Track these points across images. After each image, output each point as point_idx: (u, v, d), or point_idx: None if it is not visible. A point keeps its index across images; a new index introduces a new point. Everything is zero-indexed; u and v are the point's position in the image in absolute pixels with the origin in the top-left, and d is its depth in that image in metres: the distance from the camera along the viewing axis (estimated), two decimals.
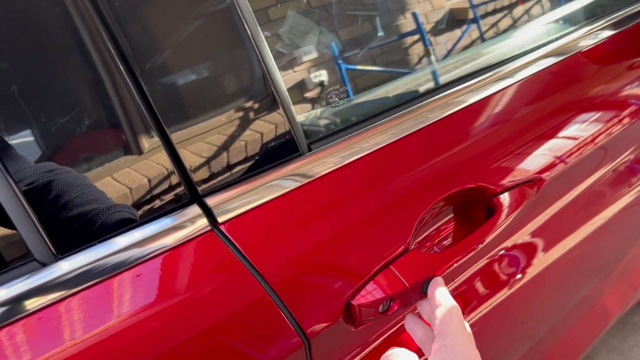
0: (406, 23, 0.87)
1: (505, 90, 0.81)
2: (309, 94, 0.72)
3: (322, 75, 0.74)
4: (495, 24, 0.98)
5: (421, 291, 0.60)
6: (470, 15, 0.95)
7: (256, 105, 0.59)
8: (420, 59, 0.87)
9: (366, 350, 0.66)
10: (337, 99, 0.72)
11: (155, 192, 0.54)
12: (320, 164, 0.62)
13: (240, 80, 0.59)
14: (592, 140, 0.89)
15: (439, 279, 0.59)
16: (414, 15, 0.88)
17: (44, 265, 0.48)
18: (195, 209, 0.55)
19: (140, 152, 0.53)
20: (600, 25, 1.00)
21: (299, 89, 0.71)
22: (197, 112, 0.56)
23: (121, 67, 0.51)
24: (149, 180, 0.53)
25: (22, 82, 0.48)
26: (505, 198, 0.73)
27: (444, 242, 0.72)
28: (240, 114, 0.58)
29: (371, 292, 0.59)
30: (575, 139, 0.86)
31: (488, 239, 0.69)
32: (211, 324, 0.51)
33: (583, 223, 0.99)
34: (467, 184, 0.70)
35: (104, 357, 0.46)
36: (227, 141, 0.58)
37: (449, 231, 0.73)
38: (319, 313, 0.57)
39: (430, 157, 0.70)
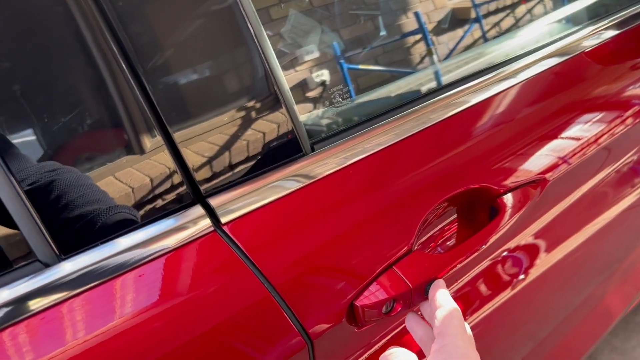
0: (408, 23, 0.87)
1: (508, 91, 0.80)
2: (310, 94, 0.72)
3: (324, 75, 0.74)
4: (497, 24, 0.98)
5: (424, 292, 0.60)
6: (473, 15, 0.95)
7: (259, 105, 0.59)
8: (422, 58, 0.87)
9: (369, 351, 0.66)
10: (340, 99, 0.71)
11: (159, 192, 0.54)
12: (324, 164, 0.62)
13: (244, 80, 0.59)
14: (596, 141, 0.89)
15: (440, 281, 0.59)
16: (416, 14, 0.88)
17: (47, 265, 0.48)
18: (198, 210, 0.55)
19: (142, 151, 0.53)
20: (604, 25, 1.00)
21: (300, 88, 0.71)
22: (199, 112, 0.56)
23: (124, 65, 0.51)
24: (152, 180, 0.53)
25: (24, 81, 0.47)
26: (509, 199, 0.73)
27: (448, 243, 0.72)
28: (243, 113, 0.58)
29: (374, 293, 0.59)
30: (578, 139, 0.86)
31: (492, 240, 0.69)
32: (214, 324, 0.51)
33: (586, 223, 0.99)
34: (471, 184, 0.70)
35: (108, 357, 0.46)
36: (230, 141, 0.58)
37: (452, 232, 0.73)
38: (322, 314, 0.57)
39: (433, 157, 0.69)
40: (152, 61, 0.53)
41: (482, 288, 0.81)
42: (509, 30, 0.98)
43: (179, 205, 0.55)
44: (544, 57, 0.88)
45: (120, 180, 0.52)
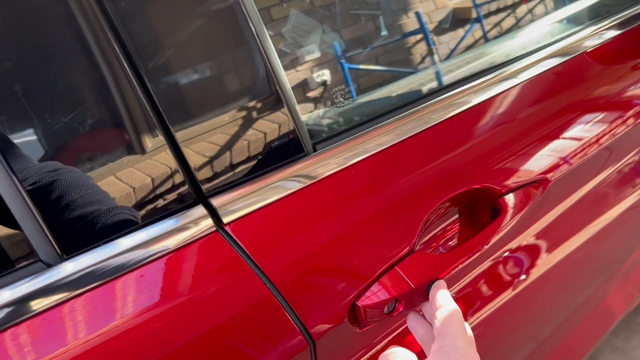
0: (409, 22, 0.87)
1: (509, 91, 0.80)
2: (311, 94, 0.72)
3: (325, 75, 0.74)
4: (499, 24, 0.98)
5: (426, 293, 0.60)
6: (474, 15, 0.95)
7: (262, 105, 0.59)
8: (423, 58, 0.87)
9: (371, 352, 0.66)
10: (341, 99, 0.71)
11: (160, 192, 0.54)
12: (326, 164, 0.62)
13: (246, 80, 0.59)
14: (597, 141, 0.89)
15: (441, 282, 0.59)
16: (417, 14, 0.88)
17: (49, 266, 0.48)
18: (200, 210, 0.55)
19: (144, 151, 0.53)
20: (605, 25, 1.00)
21: (301, 88, 0.71)
22: (201, 111, 0.56)
23: (125, 65, 0.51)
24: (154, 180, 0.53)
25: (26, 81, 0.47)
26: (510, 199, 0.73)
27: (450, 243, 0.72)
28: (245, 113, 0.58)
29: (376, 293, 0.59)
30: (580, 139, 0.86)
31: (494, 240, 0.68)
32: (216, 324, 0.51)
33: (587, 224, 0.99)
34: (473, 184, 0.70)
35: (111, 357, 0.46)
36: (232, 141, 0.58)
37: (454, 232, 0.73)
38: (324, 314, 0.57)
39: (435, 157, 0.69)
40: (154, 60, 0.53)
41: (484, 288, 0.81)
42: (510, 30, 0.98)
43: (181, 205, 0.55)
44: (545, 57, 0.88)
45: (122, 180, 0.52)
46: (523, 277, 0.87)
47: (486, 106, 0.77)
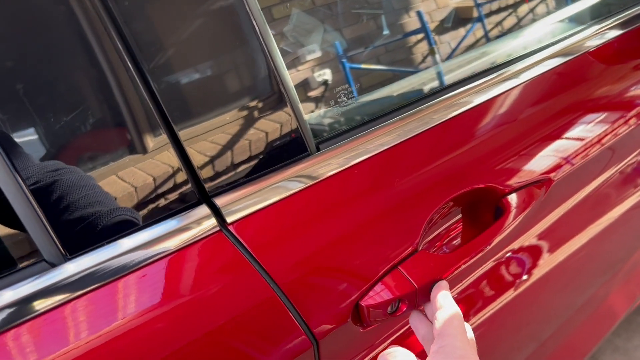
0: (410, 22, 0.87)
1: (511, 91, 0.80)
2: (312, 93, 0.72)
3: (326, 74, 0.73)
4: (500, 23, 0.97)
5: (429, 293, 0.60)
6: (476, 14, 0.94)
7: (265, 104, 0.59)
8: (425, 58, 0.87)
9: (374, 352, 0.66)
10: (344, 98, 0.71)
11: (164, 192, 0.54)
12: (329, 164, 0.62)
13: (250, 79, 0.59)
14: (600, 141, 0.89)
15: (443, 283, 0.59)
16: (419, 13, 0.88)
17: (53, 265, 0.48)
18: (204, 209, 0.55)
19: (148, 151, 0.53)
20: (608, 25, 0.99)
21: (302, 88, 0.71)
22: (204, 110, 0.56)
23: (129, 63, 0.51)
24: (157, 180, 0.53)
25: (28, 79, 0.47)
26: (514, 198, 0.72)
27: (453, 243, 0.72)
28: (249, 112, 0.58)
29: (380, 293, 0.59)
30: (582, 139, 0.86)
31: (497, 239, 0.68)
32: (220, 324, 0.51)
33: (589, 224, 0.99)
34: (477, 184, 0.70)
35: (116, 357, 0.46)
36: (235, 140, 0.58)
37: (457, 232, 0.73)
38: (328, 314, 0.57)
39: (439, 157, 0.69)
40: (158, 59, 0.53)
41: (486, 288, 0.81)
42: (512, 29, 0.98)
43: (185, 205, 0.55)
44: (547, 57, 0.88)
45: (124, 180, 0.52)
46: (525, 277, 0.87)
47: (488, 106, 0.77)
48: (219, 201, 0.56)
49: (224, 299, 0.52)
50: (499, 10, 0.97)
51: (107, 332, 0.47)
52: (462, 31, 0.92)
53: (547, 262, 0.91)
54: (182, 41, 0.54)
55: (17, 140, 0.47)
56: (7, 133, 0.47)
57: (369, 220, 0.62)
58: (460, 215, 0.73)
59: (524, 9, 1.00)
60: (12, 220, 0.47)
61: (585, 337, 1.20)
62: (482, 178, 0.71)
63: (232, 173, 0.58)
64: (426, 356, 0.52)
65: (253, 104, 0.58)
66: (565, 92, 0.87)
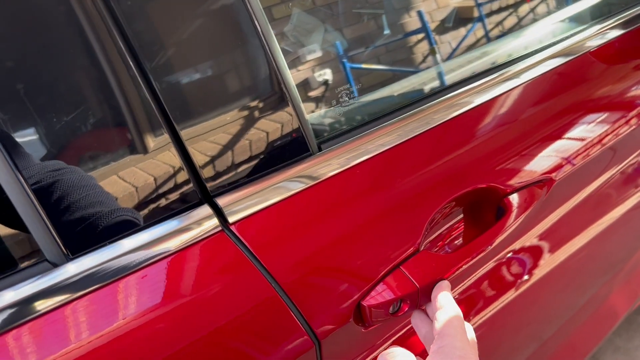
0: (411, 22, 0.87)
1: (512, 91, 0.80)
2: (313, 93, 0.72)
3: (327, 74, 0.73)
4: (501, 23, 0.97)
5: (431, 292, 0.60)
6: (476, 14, 0.94)
7: (267, 104, 0.59)
8: (425, 58, 0.87)
9: (376, 352, 0.66)
10: (346, 98, 0.71)
11: (165, 192, 0.54)
12: (331, 164, 0.62)
13: (252, 78, 0.59)
14: (600, 141, 0.89)
15: (444, 283, 0.59)
16: (419, 13, 0.87)
17: (55, 265, 0.48)
18: (206, 209, 0.55)
19: (149, 151, 0.52)
20: (609, 24, 0.99)
21: (303, 87, 0.71)
22: (206, 110, 0.56)
23: (131, 63, 0.51)
24: (159, 180, 0.53)
25: (29, 79, 0.47)
26: (515, 198, 0.72)
27: (455, 243, 0.71)
28: (251, 112, 0.58)
29: (381, 293, 0.59)
30: (583, 139, 0.86)
31: (499, 239, 0.68)
32: (222, 324, 0.51)
33: (591, 224, 0.98)
34: (478, 184, 0.69)
35: (118, 357, 0.46)
36: (237, 140, 0.58)
37: (459, 232, 0.73)
38: (330, 314, 0.57)
39: (440, 157, 0.69)
40: (159, 58, 0.53)
41: (488, 288, 0.81)
42: (512, 29, 0.98)
43: (187, 205, 0.55)
44: (548, 57, 0.88)
45: (125, 179, 0.52)
46: (526, 277, 0.87)
47: (489, 106, 0.77)
48: (221, 201, 0.56)
49: (226, 299, 0.52)
50: (500, 10, 0.97)
51: (109, 332, 0.47)
52: (462, 31, 0.92)
53: (548, 262, 0.91)
54: (183, 41, 0.54)
55: (18, 139, 0.47)
56: (8, 132, 0.47)
57: (370, 220, 0.62)
58: (461, 215, 0.73)
59: (524, 8, 1.00)
60: (14, 220, 0.47)
61: (586, 337, 1.20)
62: (483, 178, 0.71)
63: (234, 173, 0.57)
64: (427, 356, 0.52)
65: (255, 103, 0.58)
66: (566, 92, 0.87)
